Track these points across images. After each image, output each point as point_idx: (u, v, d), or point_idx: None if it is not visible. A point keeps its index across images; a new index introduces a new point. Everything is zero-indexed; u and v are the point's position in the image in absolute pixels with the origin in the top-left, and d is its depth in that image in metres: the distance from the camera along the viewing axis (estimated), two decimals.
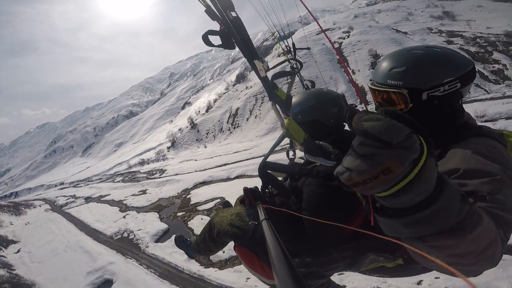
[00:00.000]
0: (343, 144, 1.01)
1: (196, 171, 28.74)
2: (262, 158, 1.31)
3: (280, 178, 1.60)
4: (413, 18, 60.35)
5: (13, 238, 20.77)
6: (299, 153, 1.44)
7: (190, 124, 61.02)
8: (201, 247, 1.91)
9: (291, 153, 1.52)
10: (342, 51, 46.58)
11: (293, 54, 3.18)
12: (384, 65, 1.10)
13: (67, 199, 37.49)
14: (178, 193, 21.20)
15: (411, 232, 0.54)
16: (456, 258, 0.57)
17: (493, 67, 31.74)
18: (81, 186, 54.39)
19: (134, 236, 13.56)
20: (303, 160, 1.46)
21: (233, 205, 1.97)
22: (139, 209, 19.79)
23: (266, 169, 1.30)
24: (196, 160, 38.77)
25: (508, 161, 0.82)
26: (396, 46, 40.19)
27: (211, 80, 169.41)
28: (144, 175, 40.23)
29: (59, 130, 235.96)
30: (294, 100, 1.45)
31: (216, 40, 0.92)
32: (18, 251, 17.53)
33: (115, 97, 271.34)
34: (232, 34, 0.90)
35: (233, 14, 0.89)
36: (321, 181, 1.25)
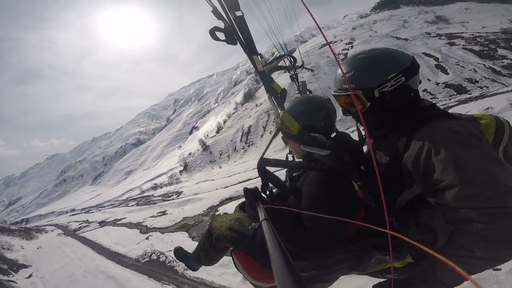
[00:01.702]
0: (336, 142, 1.24)
1: (217, 189, 27.09)
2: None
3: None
4: (409, 25, 62.31)
5: (24, 262, 18.87)
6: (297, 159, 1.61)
7: (201, 147, 60.02)
8: (201, 256, 1.87)
9: (290, 156, 1.69)
10: None
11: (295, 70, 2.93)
12: (338, 73, 1.22)
13: (80, 224, 35.62)
14: (204, 211, 19.48)
15: None
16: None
17: (503, 62, 31.93)
18: (93, 212, 52.54)
19: (166, 258, 11.70)
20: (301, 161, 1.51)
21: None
22: (162, 230, 17.98)
23: (264, 165, 1.32)
24: (213, 180, 37.12)
25: (475, 136, 0.89)
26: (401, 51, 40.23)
27: (216, 104, 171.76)
28: (159, 198, 38.52)
29: (68, 161, 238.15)
30: (288, 105, 1.52)
31: (221, 36, 1.03)
32: (30, 276, 15.61)
33: (122, 125, 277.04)
34: (235, 32, 1.00)
35: (239, 13, 0.98)
36: (321, 179, 1.27)
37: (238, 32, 0.99)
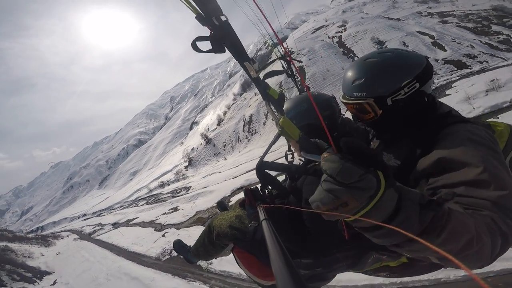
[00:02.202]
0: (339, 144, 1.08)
1: (225, 180, 27.08)
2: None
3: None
4: (399, 6, 60.19)
5: (47, 269, 19.22)
6: (297, 156, 1.61)
7: (204, 140, 59.78)
8: (200, 251, 1.87)
9: (289, 156, 1.62)
10: (344, 43, 45.74)
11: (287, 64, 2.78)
12: (347, 79, 1.16)
13: (94, 228, 36.03)
14: (215, 203, 19.39)
15: (385, 242, 0.63)
16: (440, 258, 0.62)
17: (498, 38, 31.75)
18: (104, 215, 53.13)
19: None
20: (302, 162, 1.49)
21: (227, 205, 2.27)
22: (177, 226, 18.05)
23: (263, 169, 1.30)
24: (220, 172, 37.12)
25: (492, 142, 0.88)
26: (396, 31, 40.02)
27: (213, 97, 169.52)
28: (168, 195, 38.70)
29: (73, 168, 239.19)
30: (286, 105, 1.51)
31: (205, 46, 0.98)
32: (55, 282, 15.87)
33: (121, 128, 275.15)
34: (222, 38, 0.94)
35: (223, 18, 0.93)
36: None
37: (226, 38, 0.95)
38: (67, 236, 36.47)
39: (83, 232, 36.17)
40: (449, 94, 19.37)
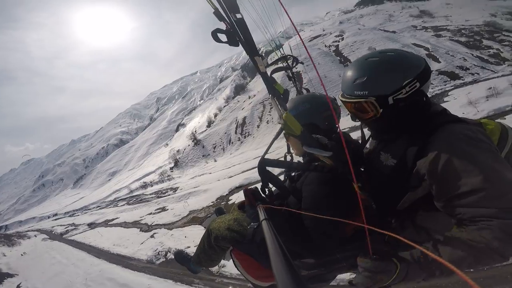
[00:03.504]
0: (338, 144, 1.23)
1: (219, 180, 25.16)
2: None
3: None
4: (395, 19, 63.58)
5: (8, 271, 16.17)
6: (296, 158, 1.63)
7: (192, 141, 57.32)
8: (201, 258, 1.85)
9: (288, 157, 1.70)
10: (341, 52, 46.10)
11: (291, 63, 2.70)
12: (348, 77, 1.15)
13: (66, 228, 32.58)
14: (213, 202, 17.63)
15: (410, 281, 0.95)
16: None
17: (489, 52, 33.46)
18: (78, 215, 49.02)
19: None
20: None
21: (226, 212, 2.25)
22: (169, 226, 15.95)
23: (265, 166, 1.32)
24: (210, 173, 34.98)
25: (487, 142, 0.91)
26: (392, 42, 40.77)
27: (202, 101, 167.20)
28: (152, 195, 36.00)
29: (46, 165, 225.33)
30: (289, 105, 1.52)
31: (222, 38, 1.04)
32: (18, 286, 13.13)
33: (102, 126, 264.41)
34: (236, 33, 1.01)
35: (238, 16, 1.00)
36: (321, 179, 1.28)
37: (240, 34, 1.01)
38: (35, 236, 32.63)
39: (53, 232, 32.65)
40: (447, 101, 19.97)
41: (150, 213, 22.54)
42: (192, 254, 2.06)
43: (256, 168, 1.33)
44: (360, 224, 0.83)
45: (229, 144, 47.55)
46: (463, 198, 0.85)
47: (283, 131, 1.54)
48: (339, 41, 51.09)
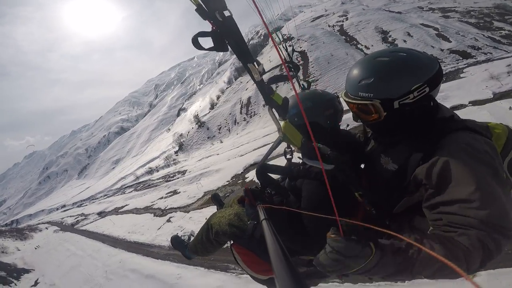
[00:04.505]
0: (341, 144, 1.23)
1: (229, 160, 24.14)
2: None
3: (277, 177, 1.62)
4: (399, 0, 59.41)
5: (25, 266, 15.59)
6: (296, 154, 1.57)
7: (196, 124, 56.00)
8: (198, 248, 1.86)
9: (288, 154, 1.64)
10: (346, 31, 43.81)
11: (290, 56, 2.87)
12: (354, 77, 1.09)
13: (76, 218, 32.18)
14: (228, 181, 16.71)
15: (372, 275, 0.85)
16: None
17: (500, 33, 32.26)
18: (86, 205, 48.88)
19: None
20: (301, 161, 1.42)
21: (221, 197, 2.46)
22: (185, 209, 15.03)
23: (264, 171, 1.33)
24: (218, 154, 33.96)
25: (489, 155, 0.88)
26: (399, 22, 38.59)
27: (201, 85, 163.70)
28: (160, 180, 35.24)
29: (49, 157, 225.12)
30: (289, 102, 1.37)
31: (206, 43, 0.91)
32: (36, 282, 12.45)
33: (101, 115, 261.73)
34: (225, 35, 0.86)
35: (226, 13, 0.85)
36: (321, 179, 1.26)
37: (229, 35, 0.86)
38: (46, 228, 32.27)
39: (64, 223, 32.27)
40: (464, 77, 19.16)
41: (161, 197, 21.74)
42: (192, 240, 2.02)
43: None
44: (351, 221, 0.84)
45: (235, 124, 46.25)
46: (451, 204, 0.85)
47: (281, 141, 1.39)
48: (343, 21, 48.56)
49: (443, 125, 0.99)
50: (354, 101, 1.09)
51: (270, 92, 1.04)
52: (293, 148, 1.64)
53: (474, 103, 12.10)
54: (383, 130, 1.15)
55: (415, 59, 0.99)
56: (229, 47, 0.86)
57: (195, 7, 0.79)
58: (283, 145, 1.65)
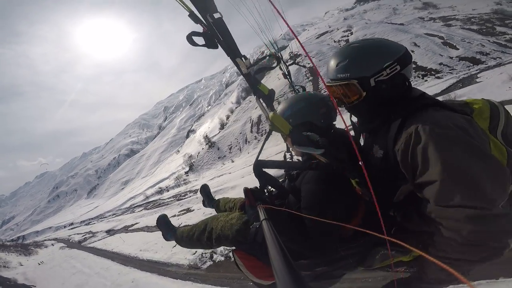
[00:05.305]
0: (337, 143, 1.23)
1: (243, 177, 23.28)
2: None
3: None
4: (400, 12, 62.58)
5: (25, 282, 14.51)
6: (296, 157, 1.61)
7: (206, 144, 55.93)
8: (184, 240, 1.80)
9: (288, 155, 1.69)
10: None
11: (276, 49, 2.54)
12: (331, 62, 1.17)
13: (84, 236, 31.18)
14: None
15: None
16: None
17: (505, 37, 32.56)
18: (94, 223, 47.88)
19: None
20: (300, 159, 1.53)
21: (210, 189, 2.43)
22: None
23: (261, 167, 1.32)
24: (230, 173, 33.16)
25: (462, 129, 0.86)
26: (404, 33, 39.28)
27: (209, 107, 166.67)
28: (171, 199, 34.37)
29: (59, 177, 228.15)
30: (283, 105, 1.49)
31: (200, 40, 1.00)
32: None
33: (112, 138, 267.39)
34: (215, 35, 0.97)
35: (217, 15, 0.95)
36: (319, 177, 1.27)
37: (219, 35, 0.96)
38: (52, 244, 31.27)
39: (71, 241, 31.26)
40: (481, 81, 18.72)
41: (174, 215, 20.72)
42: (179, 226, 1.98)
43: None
44: (362, 229, 0.78)
45: (246, 143, 45.90)
46: (424, 188, 0.87)
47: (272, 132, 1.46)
48: (348, 36, 49.78)
49: (413, 102, 1.02)
50: (333, 84, 1.14)
51: (256, 83, 1.13)
52: (292, 151, 1.68)
53: (502, 103, 11.37)
54: (365, 112, 1.17)
55: (383, 42, 1.10)
56: (219, 45, 0.96)
57: (188, 14, 0.90)
58: (283, 147, 1.71)
